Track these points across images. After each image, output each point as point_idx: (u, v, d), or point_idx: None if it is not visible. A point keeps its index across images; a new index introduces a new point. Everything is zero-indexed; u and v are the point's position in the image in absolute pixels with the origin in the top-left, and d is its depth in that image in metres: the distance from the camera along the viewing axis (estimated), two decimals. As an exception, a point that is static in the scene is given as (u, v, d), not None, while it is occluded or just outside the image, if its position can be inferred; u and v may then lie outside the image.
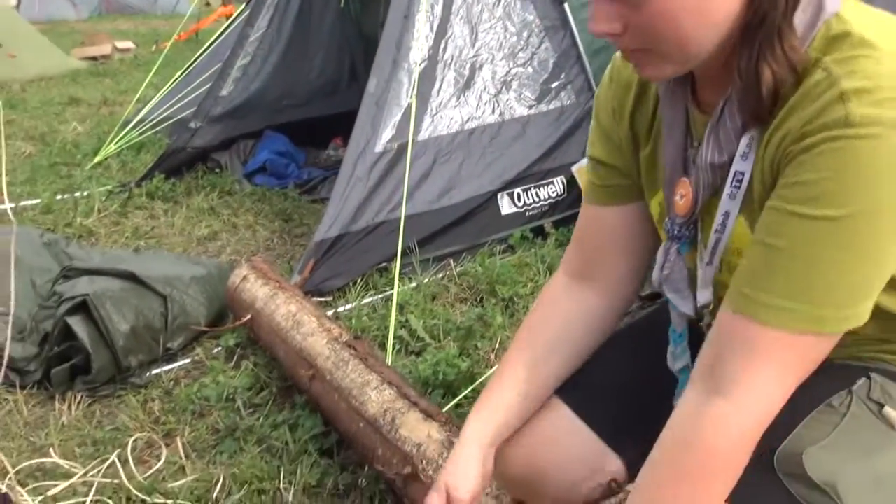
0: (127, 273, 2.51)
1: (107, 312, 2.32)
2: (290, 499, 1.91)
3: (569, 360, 1.27)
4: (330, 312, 2.77)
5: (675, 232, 1.11)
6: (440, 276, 3.04)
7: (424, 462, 1.61)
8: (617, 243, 1.24)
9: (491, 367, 2.41)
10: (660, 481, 0.98)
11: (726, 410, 0.92)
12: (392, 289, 2.68)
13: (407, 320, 2.60)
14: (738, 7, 0.91)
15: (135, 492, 1.92)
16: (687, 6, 0.90)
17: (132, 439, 2.10)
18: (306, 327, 2.22)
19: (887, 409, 1.04)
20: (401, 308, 2.69)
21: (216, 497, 1.91)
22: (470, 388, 2.14)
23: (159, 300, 2.50)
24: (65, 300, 2.35)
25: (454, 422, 1.72)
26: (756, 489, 0.98)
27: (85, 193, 4.06)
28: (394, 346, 2.45)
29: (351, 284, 2.94)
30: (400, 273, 2.92)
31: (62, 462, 2.03)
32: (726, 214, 1.01)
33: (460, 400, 2.13)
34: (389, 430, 1.74)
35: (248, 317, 2.49)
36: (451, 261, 3.11)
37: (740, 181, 0.99)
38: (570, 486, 1.29)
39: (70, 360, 2.34)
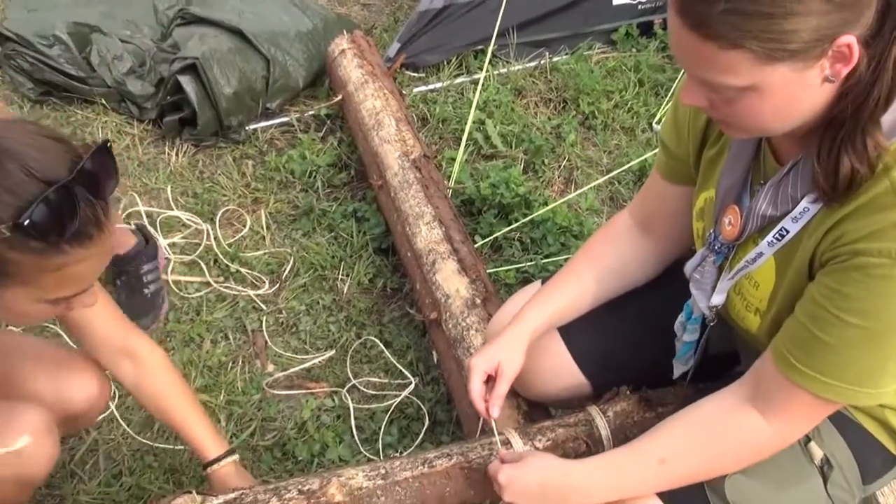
0: (236, 29, 2.69)
1: (214, 76, 2.54)
2: (346, 290, 2.26)
3: (619, 288, 1.49)
4: (419, 90, 2.93)
5: (717, 247, 1.25)
6: (532, 65, 3.09)
7: (447, 315, 1.91)
8: (675, 214, 1.41)
9: (550, 192, 2.60)
10: (688, 437, 1.19)
11: (762, 426, 1.14)
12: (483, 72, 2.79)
13: (484, 122, 2.75)
14: (824, 102, 0.98)
15: (221, 257, 2.30)
16: (774, 105, 0.98)
17: (222, 210, 2.44)
18: (385, 131, 2.41)
19: (812, 445, 1.25)
20: (483, 105, 2.81)
21: (285, 276, 2.28)
22: (520, 222, 2.36)
23: (263, 62, 2.69)
24: (177, 58, 2.57)
25: (482, 278, 1.97)
26: (684, 491, 1.21)
27: None
28: (467, 146, 2.64)
29: (445, 63, 3.03)
30: (493, 55, 3.00)
31: (173, 213, 2.42)
32: (760, 254, 1.16)
33: (511, 230, 2.36)
34: (429, 270, 2.02)
35: (340, 97, 2.69)
36: (548, 52, 3.13)
37: (783, 237, 1.12)
38: (545, 391, 1.58)
39: (181, 109, 2.63)
